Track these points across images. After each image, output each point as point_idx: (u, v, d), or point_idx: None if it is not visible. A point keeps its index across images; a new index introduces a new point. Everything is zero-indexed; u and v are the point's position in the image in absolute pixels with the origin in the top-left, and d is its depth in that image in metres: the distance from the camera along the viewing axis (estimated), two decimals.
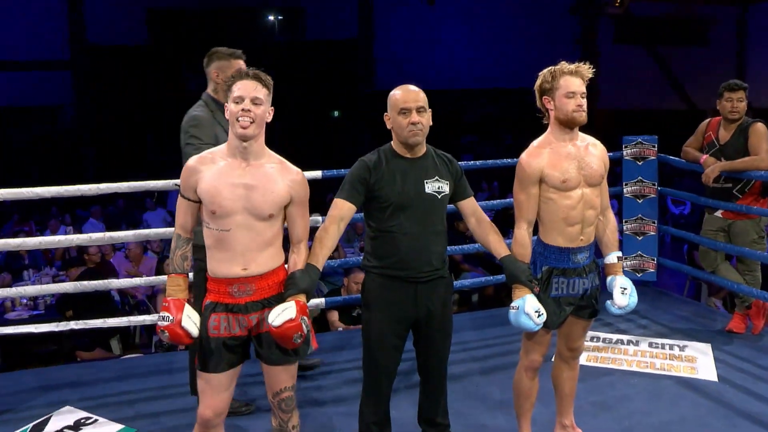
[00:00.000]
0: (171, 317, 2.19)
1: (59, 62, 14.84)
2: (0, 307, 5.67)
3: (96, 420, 3.23)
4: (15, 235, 7.83)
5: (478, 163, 4.44)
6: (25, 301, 5.74)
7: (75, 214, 9.83)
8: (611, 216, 2.70)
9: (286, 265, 2.32)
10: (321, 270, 2.31)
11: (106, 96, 15.00)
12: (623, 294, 2.58)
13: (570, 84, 2.45)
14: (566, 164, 2.49)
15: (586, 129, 2.61)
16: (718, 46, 17.31)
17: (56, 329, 3.62)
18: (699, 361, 3.74)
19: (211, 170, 2.20)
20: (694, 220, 8.32)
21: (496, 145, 15.77)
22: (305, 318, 2.18)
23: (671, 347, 3.95)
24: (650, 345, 3.99)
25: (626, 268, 4.83)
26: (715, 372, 3.60)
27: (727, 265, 4.23)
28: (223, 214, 2.17)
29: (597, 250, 2.70)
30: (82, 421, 3.23)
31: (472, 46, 17.24)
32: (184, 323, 2.19)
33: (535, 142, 2.57)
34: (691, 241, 5.29)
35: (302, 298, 2.20)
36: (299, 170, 2.29)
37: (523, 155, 2.55)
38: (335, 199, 2.43)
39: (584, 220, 2.53)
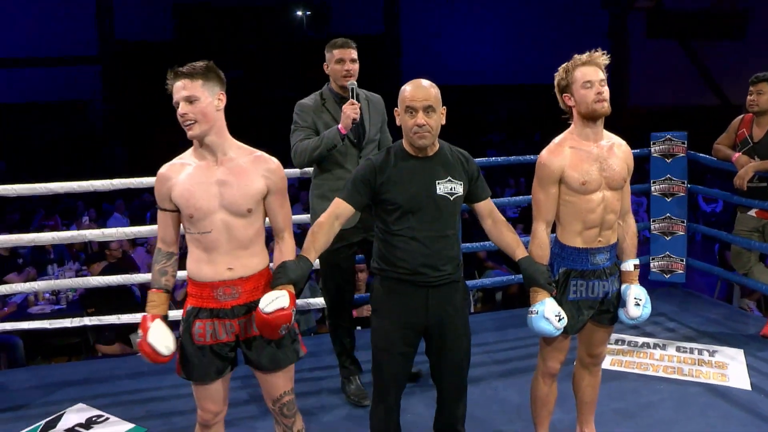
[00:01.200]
0: (142, 333, 2.11)
1: (87, 58, 15.05)
2: (23, 301, 5.72)
3: (108, 418, 3.21)
4: (41, 230, 7.92)
5: (500, 159, 4.32)
6: (47, 295, 5.78)
7: (101, 208, 9.90)
8: (631, 221, 2.58)
9: (271, 264, 2.23)
10: (313, 264, 2.21)
11: (135, 91, 15.16)
12: (637, 306, 2.47)
13: (585, 74, 2.33)
14: (587, 166, 2.37)
15: (617, 126, 2.48)
16: (755, 39, 16.85)
17: (70, 325, 3.61)
18: (730, 368, 3.58)
19: (182, 175, 2.11)
20: (726, 218, 8.06)
21: (525, 142, 15.56)
22: (294, 310, 2.08)
23: (700, 352, 3.79)
24: (678, 349, 3.83)
25: (654, 269, 4.68)
26: (748, 380, 3.44)
27: (762, 267, 4.06)
28: (200, 216, 2.08)
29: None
30: (94, 419, 3.21)
31: (500, 42, 17.08)
32: (150, 340, 2.08)
33: (556, 139, 2.45)
34: (722, 240, 5.10)
35: (292, 288, 2.11)
36: (274, 159, 2.19)
37: (544, 153, 2.43)
38: (335, 198, 2.34)
39: (603, 223, 2.42)
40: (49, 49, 14.36)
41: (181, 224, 2.18)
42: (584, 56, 2.37)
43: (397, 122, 2.31)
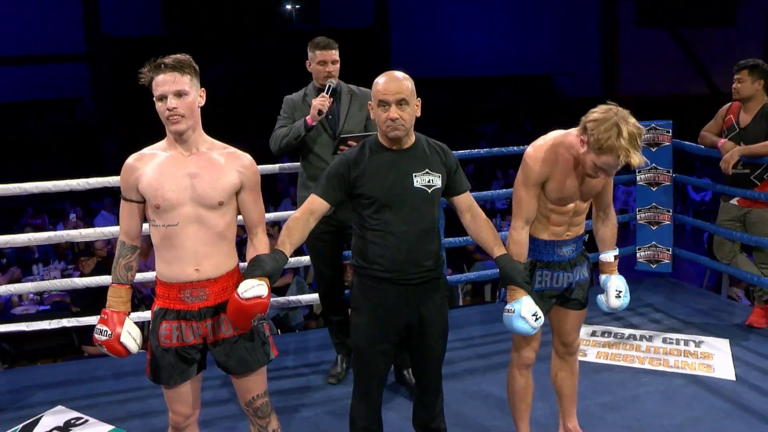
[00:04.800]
0: (109, 331, 2.07)
1: (76, 55, 14.89)
2: (7, 302, 5.66)
3: (86, 420, 3.17)
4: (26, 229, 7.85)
5: (482, 151, 4.27)
6: (32, 295, 5.71)
7: (90, 206, 9.82)
8: (612, 214, 2.58)
9: (241, 263, 2.20)
10: (288, 258, 2.17)
11: (124, 87, 15.04)
12: (617, 297, 2.51)
13: (610, 160, 2.11)
14: (569, 181, 2.32)
15: None
16: (745, 26, 16.81)
17: (48, 327, 3.56)
18: (716, 359, 3.55)
19: (151, 165, 2.07)
20: (715, 206, 8.04)
21: (516, 133, 15.53)
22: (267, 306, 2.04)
23: (686, 343, 3.77)
24: (664, 341, 3.80)
25: (640, 259, 4.64)
26: (733, 370, 3.42)
27: (744, 257, 4.02)
28: (168, 207, 2.04)
29: (592, 245, 2.60)
30: (72, 421, 3.17)
31: (491, 32, 16.98)
32: (123, 339, 2.06)
33: (548, 140, 2.33)
34: (708, 230, 5.07)
35: (267, 281, 2.05)
36: (248, 155, 2.17)
37: (531, 151, 2.33)
38: (311, 194, 2.30)
39: (570, 222, 2.44)
40: (36, 47, 14.20)
41: (147, 215, 2.14)
42: (626, 142, 2.06)
43: (372, 116, 2.27)
